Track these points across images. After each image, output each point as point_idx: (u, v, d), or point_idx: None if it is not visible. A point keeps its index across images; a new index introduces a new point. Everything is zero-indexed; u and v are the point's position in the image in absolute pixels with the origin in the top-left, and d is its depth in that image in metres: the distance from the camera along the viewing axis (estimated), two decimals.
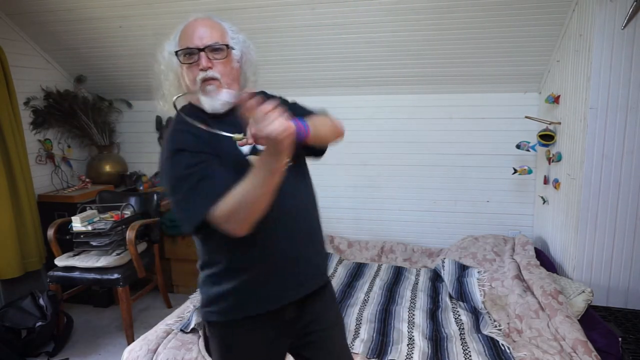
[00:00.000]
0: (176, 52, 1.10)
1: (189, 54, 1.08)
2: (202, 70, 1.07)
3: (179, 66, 1.12)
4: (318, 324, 1.20)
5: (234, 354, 1.16)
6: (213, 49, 1.08)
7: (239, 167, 1.06)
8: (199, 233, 1.05)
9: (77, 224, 2.53)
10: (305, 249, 1.16)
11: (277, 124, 0.87)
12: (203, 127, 0.99)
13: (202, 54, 1.07)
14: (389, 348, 1.84)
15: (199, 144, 1.06)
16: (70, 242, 2.60)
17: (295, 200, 1.14)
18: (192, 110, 1.14)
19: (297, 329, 1.18)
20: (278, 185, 0.96)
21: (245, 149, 1.09)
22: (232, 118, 1.10)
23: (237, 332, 1.14)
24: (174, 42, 1.12)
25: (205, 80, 1.08)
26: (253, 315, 1.11)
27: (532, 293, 2.15)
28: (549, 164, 2.66)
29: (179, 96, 1.11)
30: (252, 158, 1.09)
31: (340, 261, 2.82)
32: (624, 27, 1.96)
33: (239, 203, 0.95)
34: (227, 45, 1.10)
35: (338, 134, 1.20)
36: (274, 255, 1.10)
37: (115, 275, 2.45)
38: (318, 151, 1.23)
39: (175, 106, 1.07)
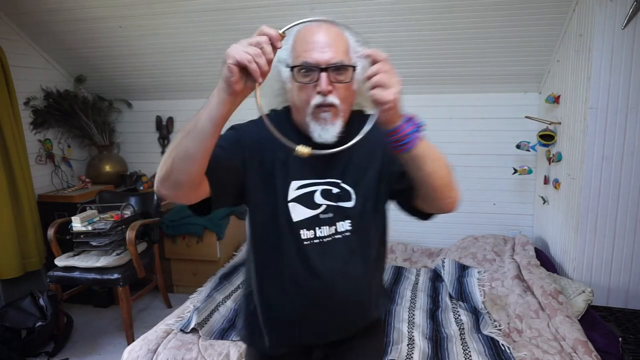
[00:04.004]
0: (291, 67, 0.91)
1: (306, 70, 0.89)
2: (320, 94, 0.89)
3: (289, 80, 0.93)
4: None
5: None
6: (336, 68, 0.89)
7: (275, 208, 0.98)
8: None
9: (77, 224, 2.53)
10: (322, 326, 1.04)
11: (391, 92, 0.76)
12: (277, 133, 0.82)
13: (324, 74, 0.88)
14: (389, 348, 1.84)
15: (252, 145, 0.96)
16: (70, 242, 2.60)
17: (328, 282, 0.98)
18: (284, 116, 0.99)
19: None
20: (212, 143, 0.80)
21: (292, 195, 0.98)
22: (336, 158, 0.95)
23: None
24: (286, 49, 0.93)
25: (322, 106, 0.90)
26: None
27: (532, 293, 2.15)
28: (549, 164, 2.66)
29: (273, 110, 0.97)
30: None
31: None
32: (624, 27, 1.96)
33: (168, 155, 0.83)
34: (353, 67, 0.90)
35: (453, 191, 0.92)
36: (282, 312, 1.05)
37: (115, 275, 2.45)
38: (410, 203, 0.99)
39: (262, 111, 0.85)
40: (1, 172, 2.63)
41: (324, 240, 0.98)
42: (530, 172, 2.80)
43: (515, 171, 2.80)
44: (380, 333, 1.22)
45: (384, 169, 1.01)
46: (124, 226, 2.60)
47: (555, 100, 2.48)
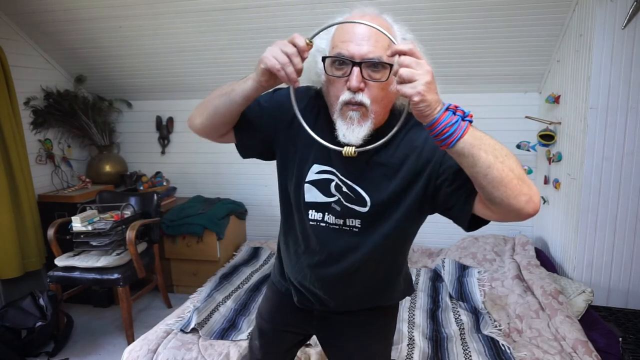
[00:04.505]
0: (323, 58, 0.86)
1: (339, 62, 0.84)
2: (349, 90, 0.83)
3: (322, 72, 0.89)
4: (337, 341, 1.16)
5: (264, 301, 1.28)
6: (371, 64, 0.82)
7: (291, 185, 1.00)
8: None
9: (77, 224, 2.53)
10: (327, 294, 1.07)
11: (415, 84, 0.69)
12: (305, 126, 0.86)
13: (356, 69, 0.82)
14: None
15: (290, 115, 0.95)
16: (71, 242, 2.60)
17: (334, 268, 1.01)
18: (317, 101, 0.97)
19: (318, 329, 1.19)
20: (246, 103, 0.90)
21: (310, 177, 0.97)
22: (356, 158, 0.89)
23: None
24: (326, 38, 0.89)
25: (350, 103, 0.84)
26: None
27: (533, 293, 2.15)
28: (549, 164, 2.66)
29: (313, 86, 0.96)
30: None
31: None
32: (624, 27, 1.96)
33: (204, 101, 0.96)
34: (390, 65, 0.81)
35: (525, 185, 0.76)
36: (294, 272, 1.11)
37: (115, 275, 2.45)
38: (463, 210, 0.85)
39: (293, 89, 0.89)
40: (1, 172, 2.63)
41: (331, 226, 0.98)
42: (530, 172, 2.80)
43: None
44: (387, 316, 1.19)
45: (429, 182, 0.89)
46: (124, 226, 2.60)
47: (555, 100, 2.48)
